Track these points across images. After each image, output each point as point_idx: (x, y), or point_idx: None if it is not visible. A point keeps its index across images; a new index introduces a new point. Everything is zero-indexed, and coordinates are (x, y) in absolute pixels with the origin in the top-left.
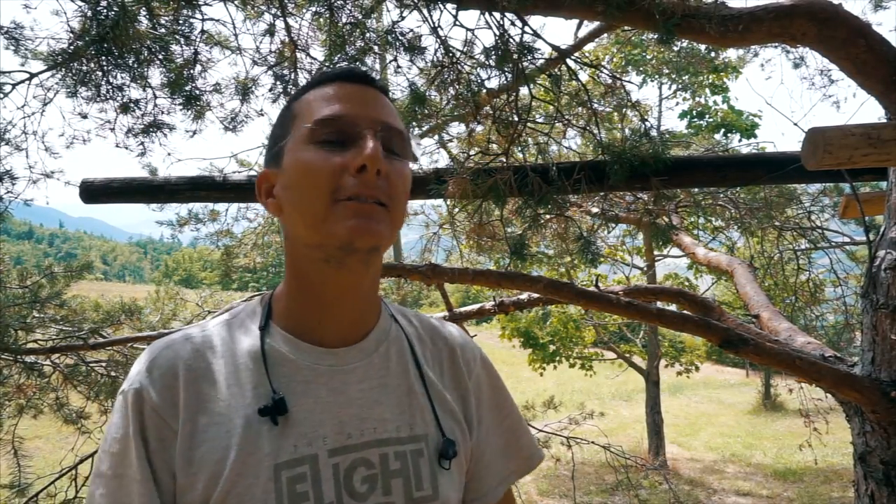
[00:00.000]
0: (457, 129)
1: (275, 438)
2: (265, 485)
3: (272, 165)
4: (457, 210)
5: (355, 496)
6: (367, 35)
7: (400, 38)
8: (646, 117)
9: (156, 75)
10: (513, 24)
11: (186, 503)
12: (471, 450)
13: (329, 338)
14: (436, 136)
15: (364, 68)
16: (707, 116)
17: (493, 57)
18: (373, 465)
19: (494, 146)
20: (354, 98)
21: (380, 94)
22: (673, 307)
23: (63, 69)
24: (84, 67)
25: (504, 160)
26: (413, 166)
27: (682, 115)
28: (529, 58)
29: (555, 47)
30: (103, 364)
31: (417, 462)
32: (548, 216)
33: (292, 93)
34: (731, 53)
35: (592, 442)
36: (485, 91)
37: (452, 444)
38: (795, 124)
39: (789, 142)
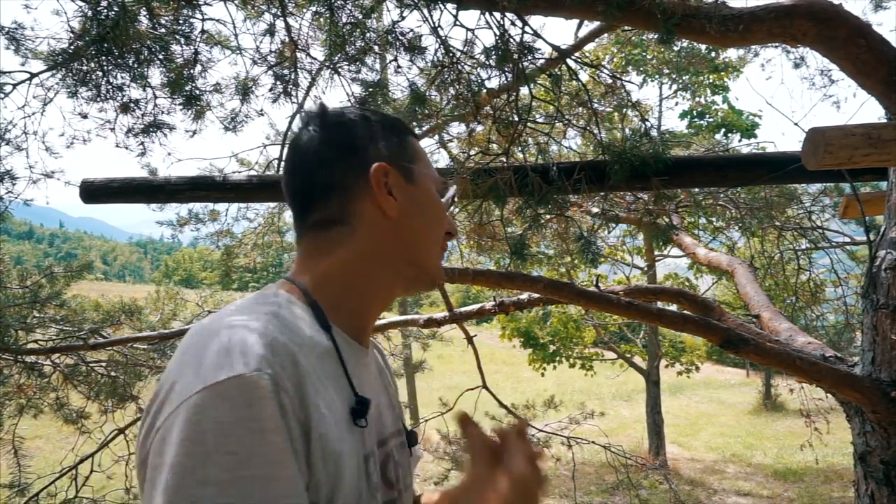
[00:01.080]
0: (457, 129)
1: (360, 433)
2: (360, 480)
3: (398, 169)
4: (457, 210)
5: (389, 485)
6: (368, 35)
7: (400, 38)
8: (646, 117)
9: (156, 75)
10: (513, 24)
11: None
12: None
13: (362, 338)
14: (436, 136)
15: None
16: (707, 116)
17: (493, 57)
18: (393, 455)
19: (494, 146)
20: None
21: None
22: (673, 307)
23: (63, 69)
24: (84, 67)
25: (504, 160)
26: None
27: (683, 115)
28: (529, 58)
29: (555, 47)
30: (103, 364)
31: (403, 453)
32: (548, 216)
33: (394, 123)
34: (732, 53)
35: (593, 442)
36: (485, 91)
37: (414, 434)
38: (796, 124)
39: (789, 142)
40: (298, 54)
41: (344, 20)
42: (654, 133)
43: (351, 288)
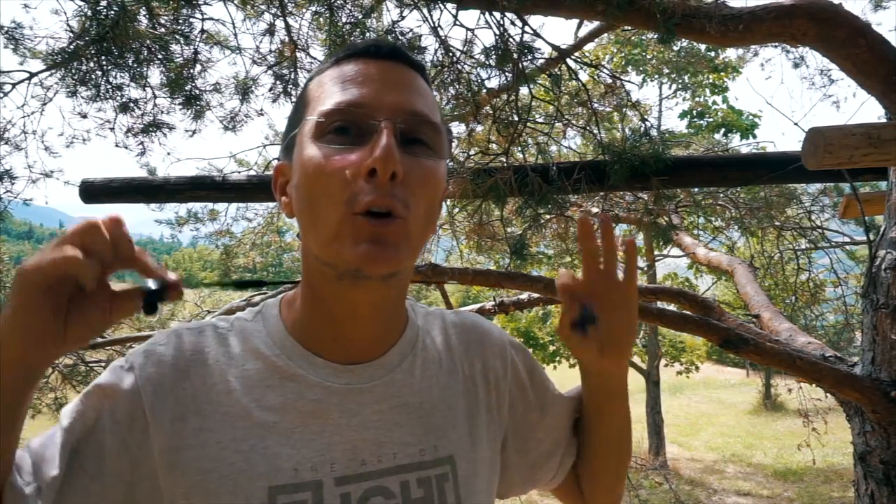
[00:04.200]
0: (457, 129)
1: (272, 458)
2: None
3: (286, 157)
4: (457, 210)
5: None
6: (367, 35)
7: (400, 37)
8: (646, 117)
9: (155, 75)
10: (513, 23)
11: None
12: (507, 439)
13: (345, 354)
14: None
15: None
16: (707, 116)
17: (493, 57)
18: (393, 494)
19: (494, 146)
20: (375, 80)
21: (411, 72)
22: (673, 307)
23: (62, 69)
24: (84, 67)
25: (504, 160)
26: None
27: (682, 115)
28: (529, 58)
29: (555, 47)
30: (102, 364)
31: (443, 487)
32: (548, 216)
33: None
34: (731, 53)
35: None
36: (485, 91)
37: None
38: (796, 124)
39: (789, 142)
40: (298, 54)
41: (344, 20)
42: (653, 133)
43: (306, 302)
